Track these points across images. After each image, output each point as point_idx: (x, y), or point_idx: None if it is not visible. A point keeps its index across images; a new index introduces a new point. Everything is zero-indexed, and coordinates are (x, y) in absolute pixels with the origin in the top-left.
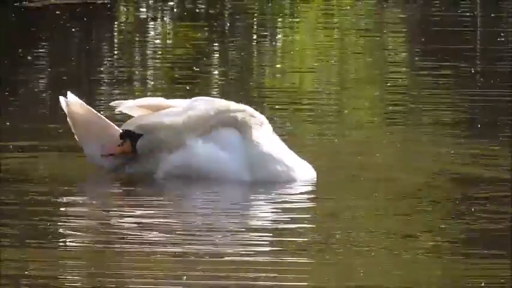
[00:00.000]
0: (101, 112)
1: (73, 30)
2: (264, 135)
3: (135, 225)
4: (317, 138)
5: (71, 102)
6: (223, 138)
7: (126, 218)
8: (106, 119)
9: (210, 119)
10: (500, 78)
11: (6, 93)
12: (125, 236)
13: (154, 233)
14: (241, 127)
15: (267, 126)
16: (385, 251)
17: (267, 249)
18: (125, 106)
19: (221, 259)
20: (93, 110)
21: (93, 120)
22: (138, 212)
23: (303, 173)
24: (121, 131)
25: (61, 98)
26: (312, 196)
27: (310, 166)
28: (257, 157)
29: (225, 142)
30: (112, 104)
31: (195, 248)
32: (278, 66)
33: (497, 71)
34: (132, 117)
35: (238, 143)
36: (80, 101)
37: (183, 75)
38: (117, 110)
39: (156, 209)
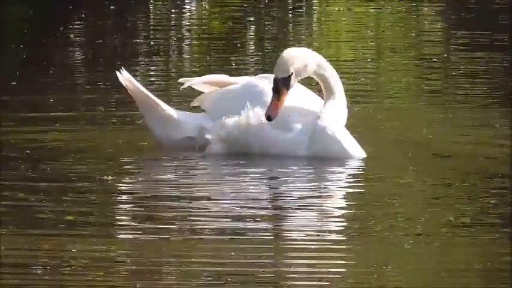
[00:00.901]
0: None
1: (111, 7)
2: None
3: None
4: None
5: (129, 83)
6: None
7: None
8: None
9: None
10: None
11: (51, 71)
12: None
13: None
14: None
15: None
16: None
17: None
18: (192, 83)
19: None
20: (146, 92)
21: (151, 104)
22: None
23: (355, 152)
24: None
25: (119, 75)
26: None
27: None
28: (318, 133)
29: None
30: (180, 80)
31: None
32: (315, 36)
33: None
34: (202, 92)
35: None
36: (136, 83)
37: (218, 49)
38: (183, 87)
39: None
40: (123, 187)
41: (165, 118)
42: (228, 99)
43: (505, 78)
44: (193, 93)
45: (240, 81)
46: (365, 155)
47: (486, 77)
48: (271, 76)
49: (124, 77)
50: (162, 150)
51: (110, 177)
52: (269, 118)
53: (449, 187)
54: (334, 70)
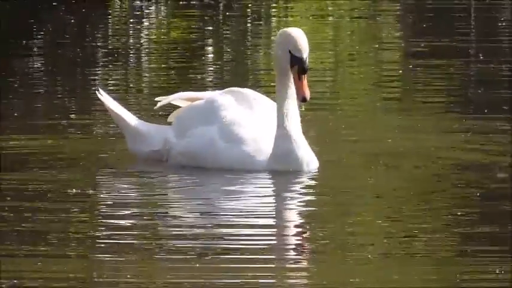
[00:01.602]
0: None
1: (71, 20)
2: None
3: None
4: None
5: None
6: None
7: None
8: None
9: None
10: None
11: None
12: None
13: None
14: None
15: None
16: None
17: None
18: (166, 102)
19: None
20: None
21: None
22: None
23: (311, 163)
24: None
25: (98, 94)
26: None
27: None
28: (276, 146)
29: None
30: (156, 99)
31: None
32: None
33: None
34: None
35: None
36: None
37: (177, 61)
38: (156, 107)
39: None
40: (88, 199)
41: (135, 132)
42: (190, 115)
43: (463, 84)
44: (153, 105)
45: (204, 97)
46: (317, 166)
47: (444, 84)
48: (238, 90)
49: (101, 94)
50: (124, 161)
51: (74, 190)
52: (304, 99)
53: (408, 198)
54: None
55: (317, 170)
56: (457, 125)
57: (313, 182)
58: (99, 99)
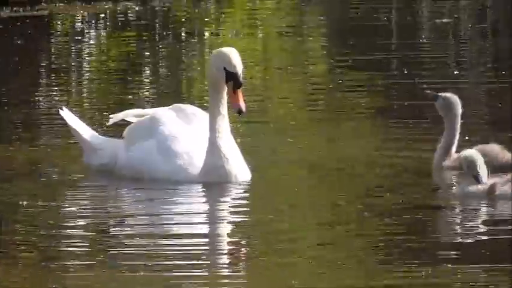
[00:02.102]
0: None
1: (16, 41)
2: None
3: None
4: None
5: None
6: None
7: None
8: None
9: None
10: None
11: None
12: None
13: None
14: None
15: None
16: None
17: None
18: (118, 119)
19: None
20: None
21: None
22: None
23: (241, 174)
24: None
25: (61, 112)
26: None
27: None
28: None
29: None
30: (110, 116)
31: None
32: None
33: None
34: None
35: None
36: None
37: (117, 83)
38: (111, 122)
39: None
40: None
41: (89, 145)
42: (134, 130)
43: (385, 93)
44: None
45: (150, 113)
46: (248, 177)
47: (368, 90)
48: (180, 106)
49: (63, 110)
50: (70, 173)
51: (25, 202)
52: (240, 111)
53: (336, 207)
54: None
55: (248, 181)
56: (375, 132)
57: (240, 192)
58: (47, 114)
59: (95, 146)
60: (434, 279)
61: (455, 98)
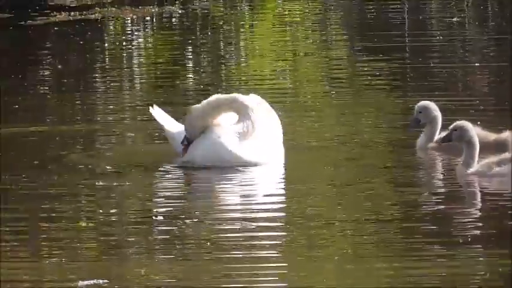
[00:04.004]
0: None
1: (73, 43)
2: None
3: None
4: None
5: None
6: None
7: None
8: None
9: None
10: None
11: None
12: None
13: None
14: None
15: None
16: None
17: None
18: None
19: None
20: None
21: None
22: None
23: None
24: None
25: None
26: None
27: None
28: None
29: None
30: (154, 107)
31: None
32: (243, 65)
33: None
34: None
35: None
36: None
37: (164, 80)
38: (151, 110)
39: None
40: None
41: (172, 136)
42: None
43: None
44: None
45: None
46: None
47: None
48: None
49: (153, 109)
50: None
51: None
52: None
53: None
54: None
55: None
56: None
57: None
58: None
59: (176, 136)
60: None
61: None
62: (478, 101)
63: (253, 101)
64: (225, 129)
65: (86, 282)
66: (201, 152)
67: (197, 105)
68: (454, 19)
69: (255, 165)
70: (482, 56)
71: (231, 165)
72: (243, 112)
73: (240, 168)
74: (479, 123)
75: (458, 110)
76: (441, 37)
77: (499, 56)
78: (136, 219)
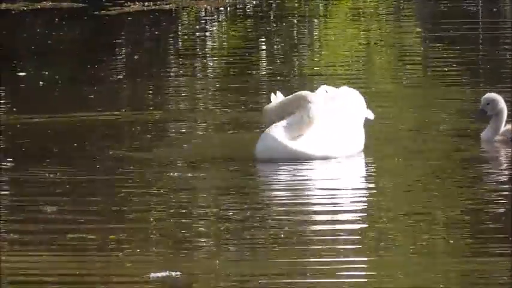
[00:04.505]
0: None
1: (147, 32)
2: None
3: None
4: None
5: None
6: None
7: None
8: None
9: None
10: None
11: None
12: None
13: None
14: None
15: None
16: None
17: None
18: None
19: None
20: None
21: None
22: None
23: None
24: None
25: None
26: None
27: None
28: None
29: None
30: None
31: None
32: (316, 55)
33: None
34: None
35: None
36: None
37: (236, 68)
38: (272, 97)
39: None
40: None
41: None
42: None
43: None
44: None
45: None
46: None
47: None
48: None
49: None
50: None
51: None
52: None
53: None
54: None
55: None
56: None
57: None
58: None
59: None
60: None
61: (495, 96)
62: None
63: (319, 96)
64: (279, 123)
65: (158, 274)
66: (257, 146)
67: (268, 106)
68: None
69: (310, 158)
70: None
71: (282, 158)
72: (303, 106)
73: (311, 162)
74: None
75: None
76: None
77: None
78: (206, 211)
